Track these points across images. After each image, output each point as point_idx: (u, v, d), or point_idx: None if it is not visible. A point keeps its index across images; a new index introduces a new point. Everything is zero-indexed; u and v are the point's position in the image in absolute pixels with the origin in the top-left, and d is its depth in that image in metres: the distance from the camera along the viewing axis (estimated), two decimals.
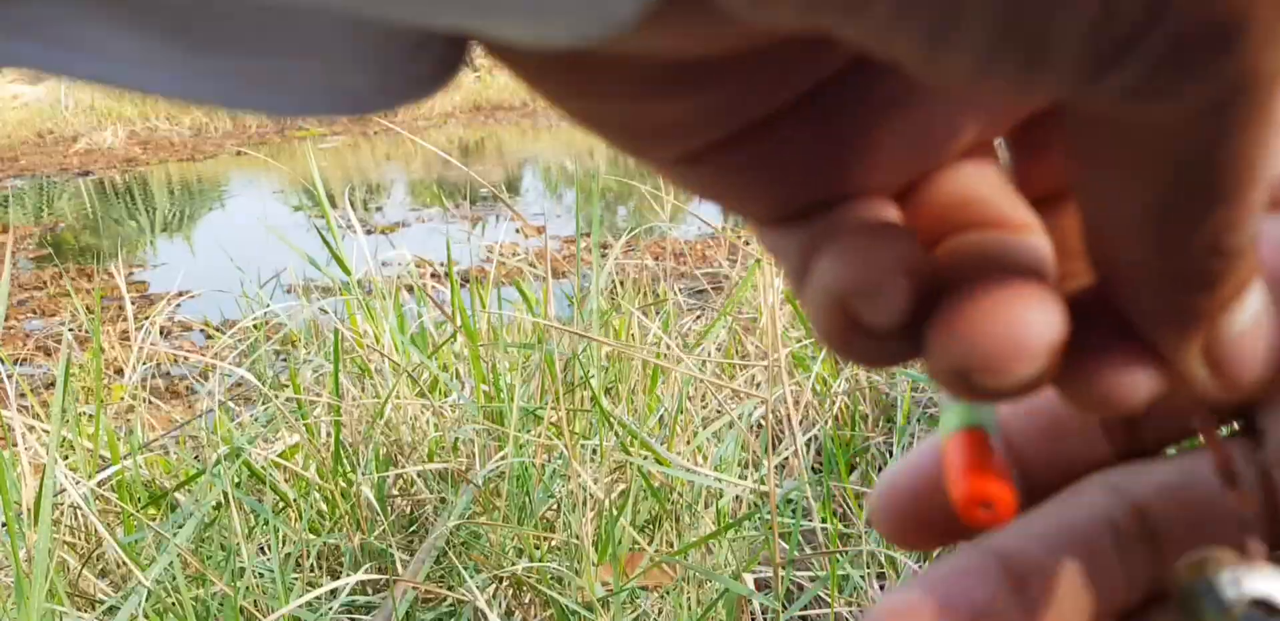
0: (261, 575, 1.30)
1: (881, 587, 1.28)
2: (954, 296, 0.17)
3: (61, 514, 1.42)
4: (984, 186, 0.19)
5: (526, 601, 1.31)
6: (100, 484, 1.50)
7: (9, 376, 2.45)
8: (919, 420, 1.65)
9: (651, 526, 1.39)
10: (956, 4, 0.12)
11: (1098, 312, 0.17)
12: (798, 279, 0.19)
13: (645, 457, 1.36)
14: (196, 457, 1.71)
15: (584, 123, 0.18)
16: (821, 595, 1.23)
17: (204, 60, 0.15)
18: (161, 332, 3.38)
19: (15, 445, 1.42)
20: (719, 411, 1.64)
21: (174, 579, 1.20)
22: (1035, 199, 0.20)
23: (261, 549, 1.41)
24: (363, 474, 1.45)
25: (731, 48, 0.16)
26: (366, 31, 0.16)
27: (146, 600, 1.18)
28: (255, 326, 2.18)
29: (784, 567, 1.20)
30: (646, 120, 0.18)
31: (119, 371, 2.75)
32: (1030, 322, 0.16)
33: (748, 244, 2.52)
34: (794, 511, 1.36)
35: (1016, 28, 0.13)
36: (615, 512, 1.26)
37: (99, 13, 0.15)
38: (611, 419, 1.38)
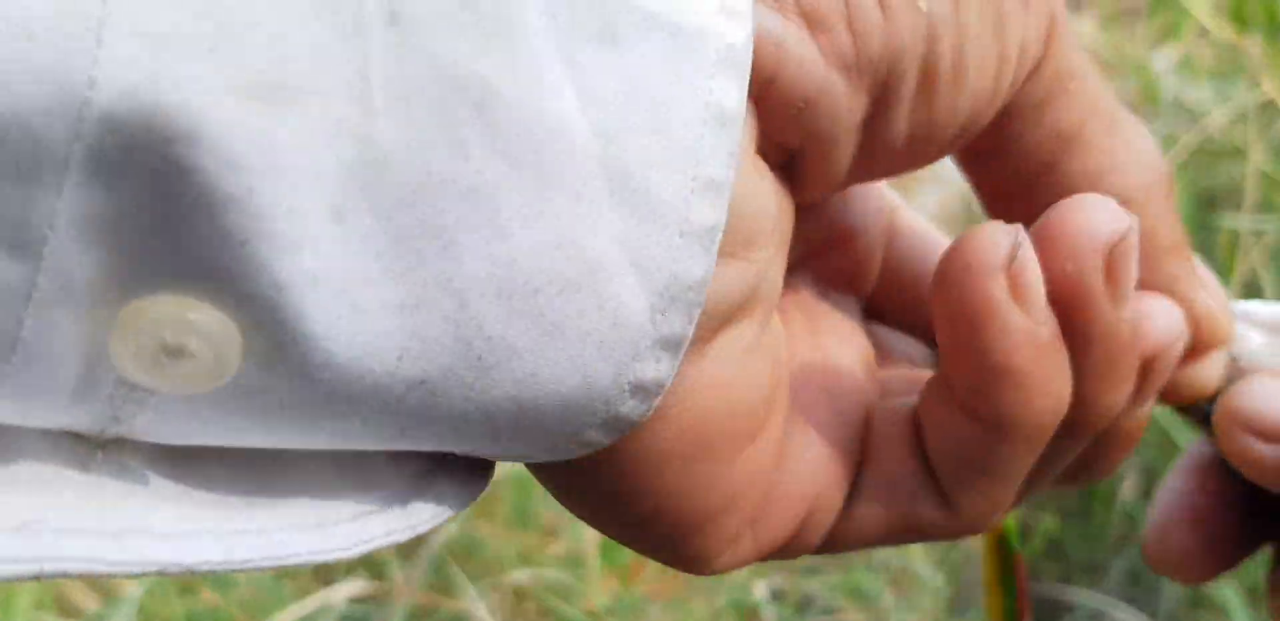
0: (254, 585, 1.30)
1: (895, 596, 1.28)
2: None
3: None
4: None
5: (528, 611, 1.31)
6: None
7: None
8: None
9: None
10: None
11: None
12: None
13: None
14: None
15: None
16: (834, 604, 1.24)
17: (251, 516, 0.15)
18: None
19: None
20: None
21: (164, 590, 1.20)
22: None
23: None
24: None
25: None
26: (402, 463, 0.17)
27: (135, 611, 1.18)
28: None
29: (796, 576, 1.20)
30: None
31: None
32: None
33: None
34: None
35: None
36: None
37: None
38: None
